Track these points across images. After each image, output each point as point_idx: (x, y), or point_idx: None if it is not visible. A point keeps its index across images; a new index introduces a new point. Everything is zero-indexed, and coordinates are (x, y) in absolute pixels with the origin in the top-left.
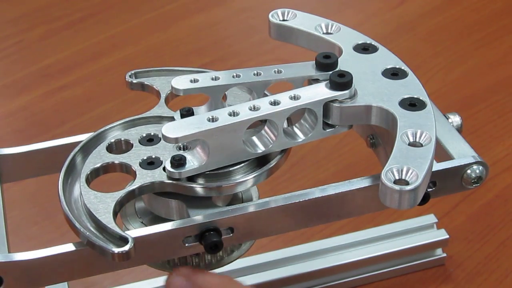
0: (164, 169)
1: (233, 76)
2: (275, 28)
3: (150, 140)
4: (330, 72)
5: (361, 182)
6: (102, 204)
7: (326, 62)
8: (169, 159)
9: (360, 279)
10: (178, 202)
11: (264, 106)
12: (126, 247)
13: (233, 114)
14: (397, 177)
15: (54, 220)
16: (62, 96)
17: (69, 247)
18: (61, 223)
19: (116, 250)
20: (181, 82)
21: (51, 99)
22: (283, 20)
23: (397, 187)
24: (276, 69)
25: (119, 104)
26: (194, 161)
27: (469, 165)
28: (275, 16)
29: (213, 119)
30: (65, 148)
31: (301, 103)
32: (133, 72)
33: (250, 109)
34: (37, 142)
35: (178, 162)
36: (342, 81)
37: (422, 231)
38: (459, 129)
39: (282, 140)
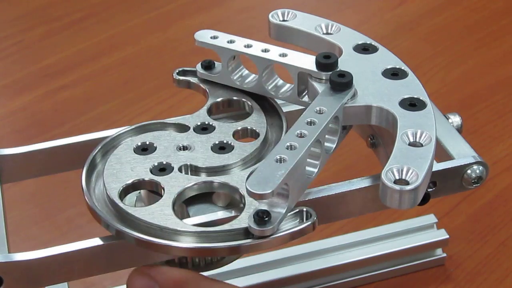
0: None
1: (245, 46)
2: (275, 29)
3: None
4: (330, 72)
5: (361, 182)
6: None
7: (326, 62)
8: (252, 216)
9: (360, 279)
10: None
11: (307, 129)
12: None
13: (291, 147)
14: (397, 177)
15: (54, 220)
16: (62, 96)
17: (69, 247)
18: (61, 223)
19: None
20: (203, 35)
21: (51, 99)
22: (283, 20)
23: (397, 187)
24: (282, 52)
25: (119, 104)
26: (276, 209)
27: (469, 165)
28: (275, 17)
29: (281, 160)
30: (65, 148)
31: (332, 114)
32: (180, 69)
33: (298, 136)
34: (37, 142)
35: (263, 218)
36: (342, 81)
37: (422, 231)
38: (459, 129)
39: (324, 156)
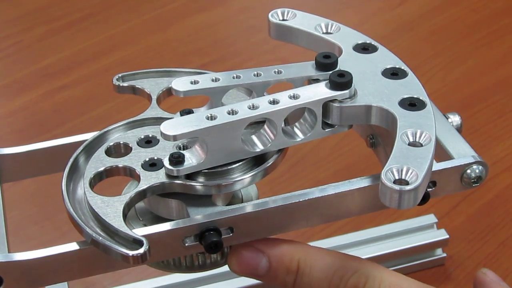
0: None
1: (233, 77)
2: (274, 28)
3: (148, 142)
4: (330, 72)
5: (361, 182)
6: (110, 208)
7: (326, 62)
8: (168, 156)
9: None
10: (178, 202)
11: (263, 105)
12: (141, 250)
13: (232, 112)
14: (397, 177)
15: (54, 220)
16: (62, 96)
17: (69, 247)
18: (61, 223)
19: (131, 253)
20: (181, 84)
21: (51, 99)
22: (283, 20)
23: (397, 187)
24: (276, 70)
25: (119, 104)
26: (192, 159)
27: (469, 165)
28: (275, 16)
29: (211, 117)
30: (65, 148)
31: (300, 103)
32: (120, 75)
33: (249, 108)
34: (37, 142)
35: (177, 159)
36: (342, 81)
37: (422, 231)
38: (459, 129)
39: (281, 139)
